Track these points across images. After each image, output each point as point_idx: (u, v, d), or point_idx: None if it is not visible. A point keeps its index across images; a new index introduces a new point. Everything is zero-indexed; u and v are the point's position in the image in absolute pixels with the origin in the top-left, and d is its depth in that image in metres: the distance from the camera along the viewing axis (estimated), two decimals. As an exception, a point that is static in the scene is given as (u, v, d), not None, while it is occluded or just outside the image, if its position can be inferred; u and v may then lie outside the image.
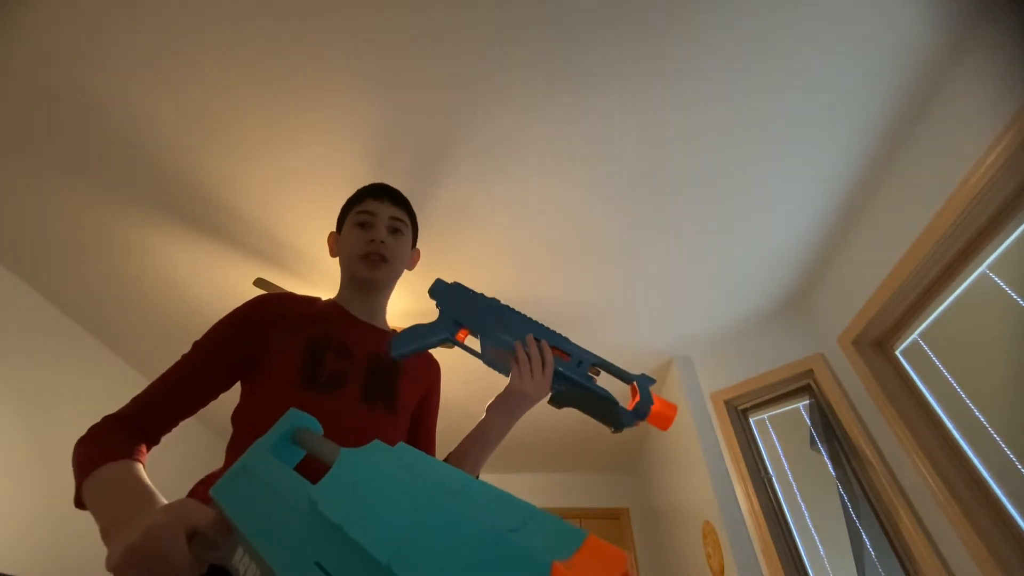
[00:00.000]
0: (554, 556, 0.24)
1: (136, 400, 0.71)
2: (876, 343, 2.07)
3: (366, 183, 2.08)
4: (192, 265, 2.37)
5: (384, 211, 0.90)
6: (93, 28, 1.52)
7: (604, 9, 1.46)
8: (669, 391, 3.11)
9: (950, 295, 1.73)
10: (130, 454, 0.61)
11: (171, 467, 2.48)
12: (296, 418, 0.48)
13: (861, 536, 1.90)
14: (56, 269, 2.41)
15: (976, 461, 1.62)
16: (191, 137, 1.82)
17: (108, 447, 0.61)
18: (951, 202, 1.58)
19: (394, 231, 0.91)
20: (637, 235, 2.18)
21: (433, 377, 0.96)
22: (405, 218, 0.94)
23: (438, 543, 0.28)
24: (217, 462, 0.85)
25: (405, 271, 0.98)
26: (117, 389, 2.95)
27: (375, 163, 1.90)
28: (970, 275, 1.65)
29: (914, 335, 1.90)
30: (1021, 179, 1.42)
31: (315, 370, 0.74)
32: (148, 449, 0.67)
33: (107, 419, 0.68)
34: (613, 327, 2.73)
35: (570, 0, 1.44)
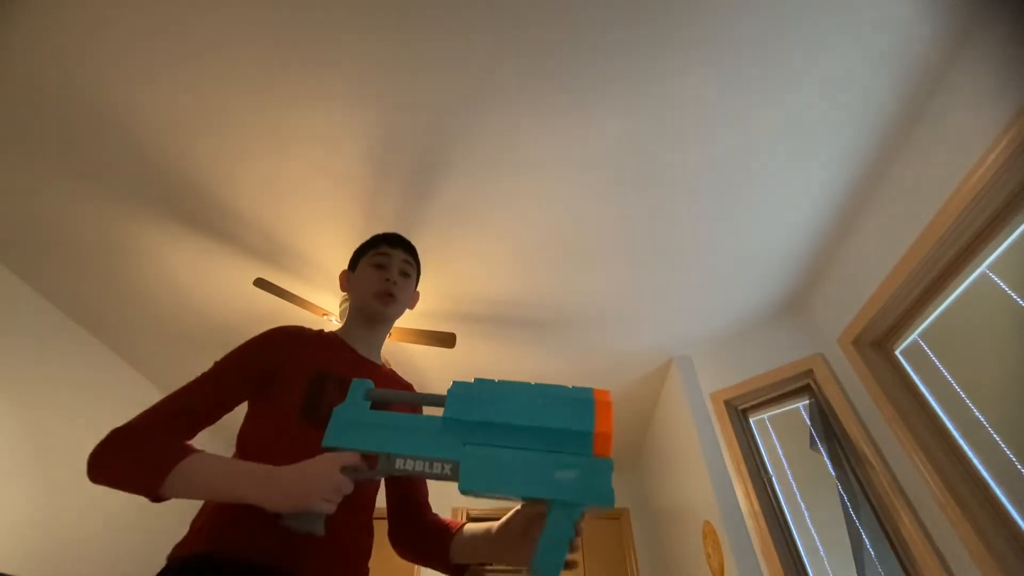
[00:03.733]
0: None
1: (156, 411, 0.77)
2: (876, 343, 2.07)
3: (366, 183, 2.10)
4: (192, 265, 2.37)
5: (398, 256, 1.03)
6: (94, 31, 1.52)
7: (603, 12, 1.46)
8: (669, 391, 3.12)
9: (950, 295, 1.73)
10: (192, 448, 0.71)
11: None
12: (361, 384, 0.71)
13: (861, 536, 1.90)
14: (56, 269, 2.41)
15: (976, 461, 1.62)
16: (192, 138, 1.82)
17: (168, 447, 0.70)
18: (951, 202, 1.58)
19: (404, 274, 1.03)
20: (637, 236, 2.18)
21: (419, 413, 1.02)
22: (413, 264, 1.06)
23: (524, 403, 0.63)
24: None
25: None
26: (117, 389, 2.95)
27: (375, 164, 1.90)
28: (970, 275, 1.65)
29: (914, 335, 1.90)
30: (1021, 179, 1.42)
31: (316, 401, 0.82)
32: None
33: (136, 428, 0.73)
34: (613, 327, 2.73)
35: (568, 3, 1.45)
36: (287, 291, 2.24)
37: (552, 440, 0.61)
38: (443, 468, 0.63)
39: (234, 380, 0.84)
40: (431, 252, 2.28)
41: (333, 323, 2.40)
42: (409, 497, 0.96)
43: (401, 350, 2.92)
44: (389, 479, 0.93)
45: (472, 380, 0.66)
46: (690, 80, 1.63)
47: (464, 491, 0.61)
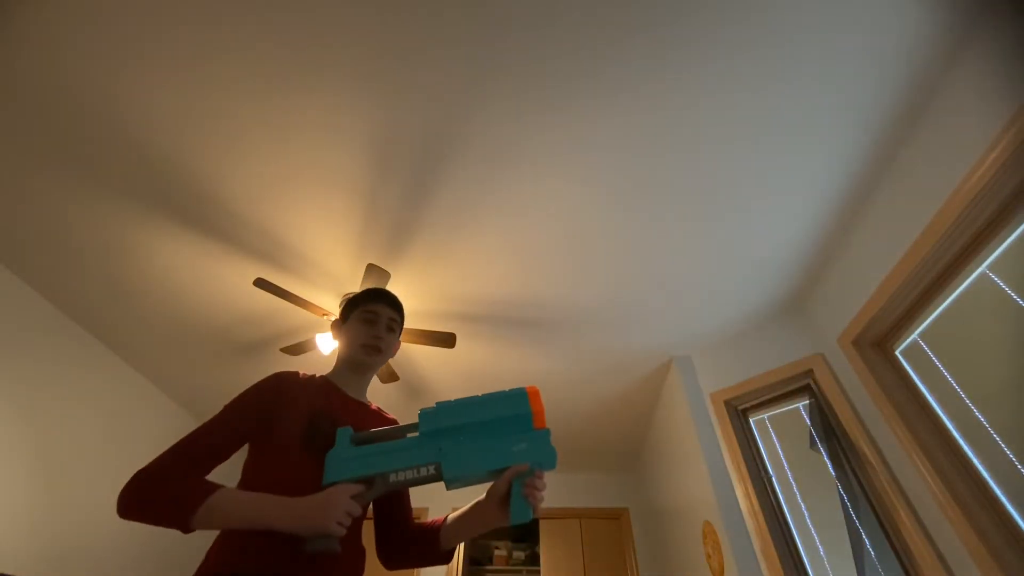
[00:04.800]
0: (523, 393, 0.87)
1: (176, 452, 0.87)
2: (876, 343, 2.07)
3: (366, 183, 2.09)
4: (192, 265, 2.37)
5: (385, 313, 1.15)
6: (93, 30, 1.52)
7: (604, 11, 1.46)
8: (669, 391, 3.12)
9: (950, 295, 1.73)
10: (215, 484, 0.82)
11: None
12: (345, 431, 0.88)
13: (861, 536, 1.90)
14: (56, 269, 2.41)
15: (976, 461, 1.62)
16: (191, 137, 1.82)
17: (196, 484, 0.81)
18: (951, 202, 1.58)
19: (390, 329, 1.15)
20: (637, 236, 2.18)
21: None
22: (399, 320, 1.18)
23: (474, 410, 0.86)
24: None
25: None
26: (117, 389, 2.95)
27: (375, 164, 1.90)
28: (970, 275, 1.65)
29: (914, 335, 1.90)
30: (1021, 179, 1.42)
31: (314, 435, 0.94)
32: None
33: (160, 468, 0.83)
34: (613, 327, 2.73)
35: (570, 2, 1.45)
36: (287, 291, 2.24)
37: (504, 427, 0.84)
38: (428, 471, 0.82)
39: (243, 421, 0.94)
40: (431, 252, 2.28)
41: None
42: (397, 519, 1.08)
43: (401, 350, 2.92)
44: (377, 509, 1.07)
45: (434, 405, 0.88)
46: (690, 82, 1.62)
47: (449, 482, 0.82)
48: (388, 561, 1.05)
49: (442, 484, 0.84)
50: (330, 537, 0.77)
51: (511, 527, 4.54)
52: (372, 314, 1.13)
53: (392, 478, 0.82)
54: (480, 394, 0.87)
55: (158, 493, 0.80)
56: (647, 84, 1.64)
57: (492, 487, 0.88)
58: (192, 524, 0.78)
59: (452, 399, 0.88)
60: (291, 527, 0.77)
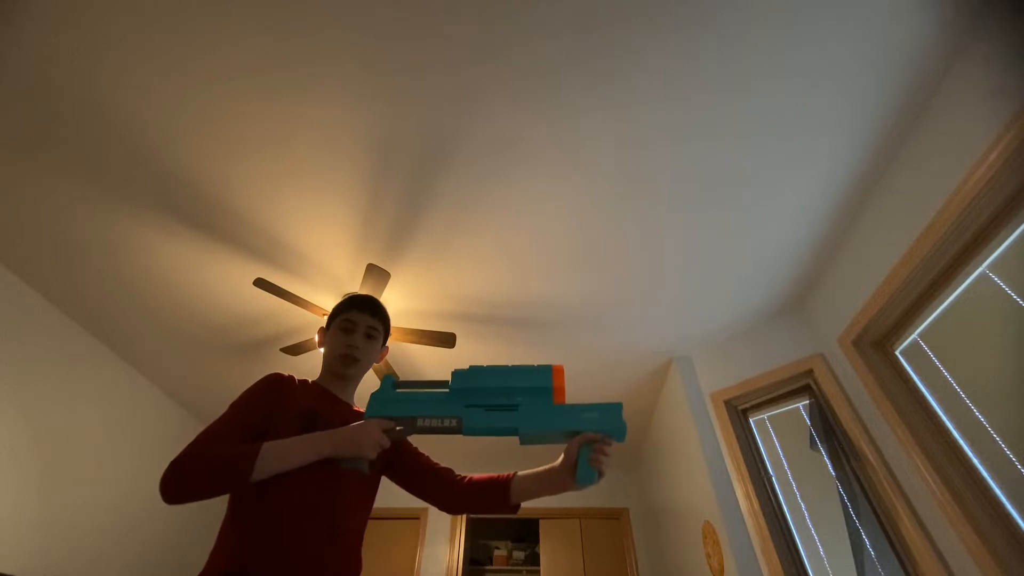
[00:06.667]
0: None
1: (203, 439, 0.90)
2: (876, 343, 2.07)
3: (366, 183, 2.09)
4: (192, 265, 2.37)
5: (363, 321, 1.15)
6: (93, 29, 1.52)
7: (601, 8, 1.46)
8: (669, 391, 3.12)
9: (950, 295, 1.73)
10: (256, 443, 0.88)
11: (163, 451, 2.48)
12: (389, 378, 0.98)
13: (861, 536, 1.90)
14: (56, 269, 2.41)
15: (976, 461, 1.62)
16: (191, 137, 1.82)
17: (239, 446, 0.87)
18: (951, 201, 1.58)
19: (369, 337, 1.15)
20: (637, 236, 2.18)
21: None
22: (379, 327, 1.18)
23: (503, 375, 0.94)
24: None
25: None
26: (117, 389, 2.95)
27: (375, 164, 1.90)
28: (970, 275, 1.65)
29: (914, 335, 1.90)
30: (1021, 179, 1.42)
31: (308, 432, 0.96)
32: None
33: (196, 448, 0.87)
34: (613, 327, 2.73)
35: (567, 6, 1.44)
36: (287, 291, 2.24)
37: (525, 396, 0.91)
38: (451, 423, 0.91)
39: (253, 415, 0.99)
40: (431, 252, 2.28)
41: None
42: (423, 467, 1.14)
43: (401, 350, 2.92)
44: (403, 477, 1.14)
45: (467, 368, 0.96)
46: (690, 81, 1.62)
47: (524, 437, 0.89)
48: (450, 507, 1.10)
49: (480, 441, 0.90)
50: (361, 459, 0.89)
51: (513, 520, 4.55)
52: (349, 323, 1.14)
53: (420, 422, 0.92)
54: (511, 365, 0.96)
55: (209, 461, 0.84)
56: (647, 83, 1.64)
57: (566, 451, 0.95)
58: (253, 474, 0.84)
59: (485, 364, 0.96)
60: (334, 450, 0.89)
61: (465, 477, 1.11)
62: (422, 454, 1.17)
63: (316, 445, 0.90)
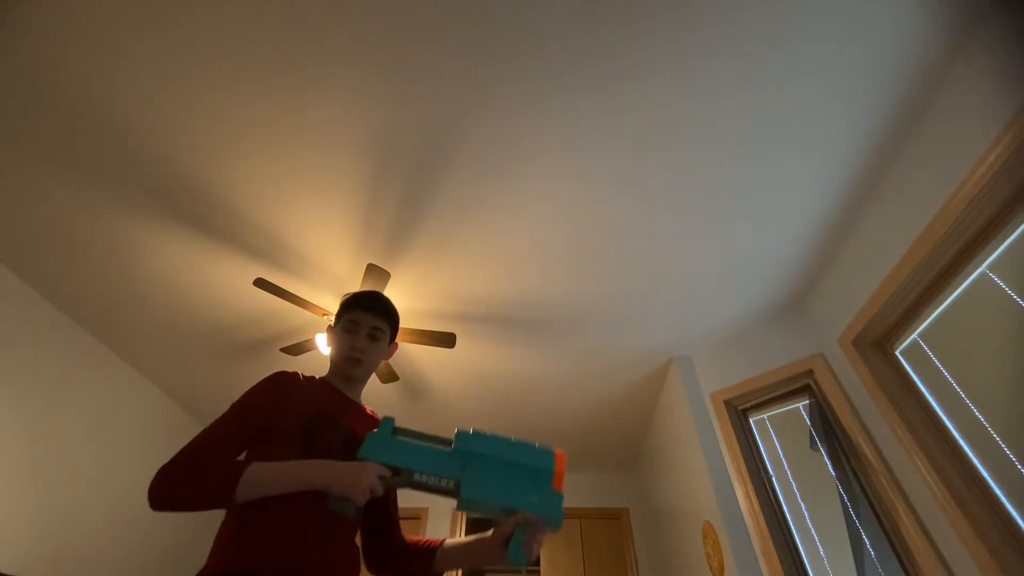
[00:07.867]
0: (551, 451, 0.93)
1: (197, 444, 0.89)
2: (876, 343, 2.07)
3: (366, 183, 2.09)
4: (192, 265, 2.37)
5: (367, 321, 1.11)
6: (94, 30, 1.52)
7: (604, 9, 1.46)
8: (669, 391, 3.12)
9: (950, 295, 1.73)
10: (243, 462, 0.85)
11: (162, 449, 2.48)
12: (389, 421, 0.93)
13: (861, 536, 1.90)
14: (56, 269, 2.41)
15: (976, 461, 1.62)
16: (192, 137, 1.82)
17: (227, 464, 0.85)
18: (951, 202, 1.58)
19: (373, 338, 1.12)
20: (637, 236, 2.18)
21: None
22: (384, 327, 1.14)
23: (506, 448, 0.91)
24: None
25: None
26: (117, 388, 2.95)
27: (375, 164, 1.90)
28: (970, 275, 1.65)
29: (914, 335, 1.90)
30: (1021, 179, 1.42)
31: (313, 436, 0.96)
32: None
33: (187, 457, 0.86)
34: (614, 328, 2.73)
35: (566, 6, 1.45)
36: (287, 291, 2.24)
37: (524, 474, 0.90)
38: (448, 483, 0.87)
39: (255, 414, 0.97)
40: (431, 252, 2.28)
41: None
42: (384, 530, 1.09)
43: (401, 350, 2.92)
44: (368, 516, 1.08)
45: (470, 431, 0.93)
46: (691, 82, 1.62)
47: (463, 502, 0.86)
48: (376, 568, 1.07)
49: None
50: (350, 501, 0.84)
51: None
52: (353, 324, 1.11)
53: (416, 477, 0.87)
54: (514, 438, 0.94)
55: (194, 475, 0.82)
56: (647, 83, 1.64)
57: (498, 528, 0.93)
58: (235, 495, 0.81)
59: (489, 432, 0.93)
60: (326, 484, 0.84)
61: (413, 540, 1.08)
62: (397, 507, 1.13)
63: (307, 475, 0.85)
